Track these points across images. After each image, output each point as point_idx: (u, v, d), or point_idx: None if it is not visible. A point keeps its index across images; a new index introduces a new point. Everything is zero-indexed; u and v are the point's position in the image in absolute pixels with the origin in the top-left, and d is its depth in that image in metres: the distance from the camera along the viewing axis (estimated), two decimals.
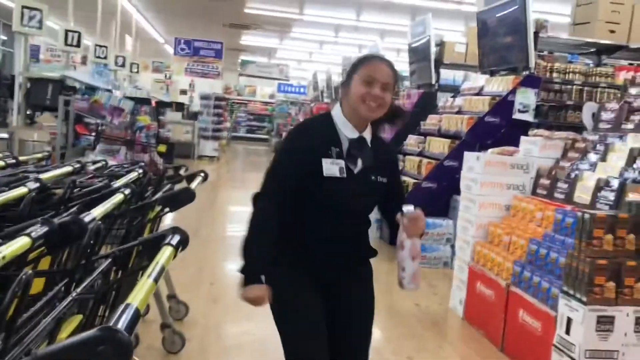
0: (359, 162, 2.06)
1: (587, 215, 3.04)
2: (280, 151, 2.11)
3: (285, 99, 26.06)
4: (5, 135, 7.29)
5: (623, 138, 3.99)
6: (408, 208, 2.03)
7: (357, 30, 15.41)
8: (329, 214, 2.02)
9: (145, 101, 10.21)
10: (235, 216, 8.32)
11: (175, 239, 1.59)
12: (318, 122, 2.18)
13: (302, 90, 25.95)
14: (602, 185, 3.63)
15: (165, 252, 1.48)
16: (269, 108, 26.89)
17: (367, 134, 2.11)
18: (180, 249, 1.60)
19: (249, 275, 1.93)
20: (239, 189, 11.21)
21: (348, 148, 2.04)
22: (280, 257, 2.02)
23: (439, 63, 8.59)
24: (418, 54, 8.88)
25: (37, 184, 2.42)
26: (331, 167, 1.99)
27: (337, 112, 2.10)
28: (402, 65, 12.44)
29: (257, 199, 2.05)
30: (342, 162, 2.01)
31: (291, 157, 2.06)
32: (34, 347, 1.25)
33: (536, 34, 6.07)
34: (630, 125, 4.08)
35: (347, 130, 2.06)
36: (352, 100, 2.03)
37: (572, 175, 4.01)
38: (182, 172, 3.93)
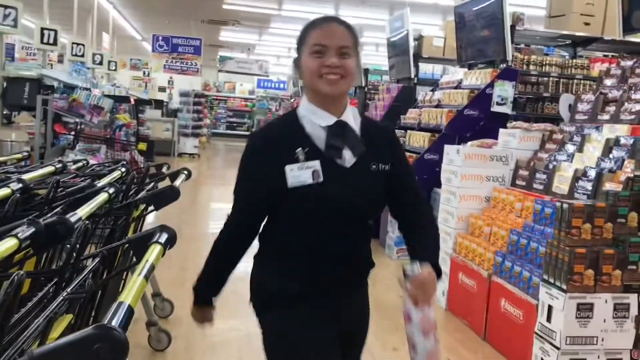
0: (346, 153, 1.65)
1: (565, 205, 3.10)
2: (240, 167, 1.72)
3: (265, 95, 26.09)
4: None
5: (599, 129, 4.07)
6: (412, 267, 1.57)
7: None
8: (320, 225, 1.65)
9: (124, 99, 10.13)
10: (218, 213, 8.31)
11: (164, 236, 1.60)
12: (277, 124, 1.76)
13: (282, 85, 25.96)
14: (579, 175, 3.70)
15: (154, 250, 1.49)
16: (249, 104, 26.83)
17: (349, 116, 1.69)
18: (168, 247, 1.61)
19: (199, 296, 1.91)
20: (221, 186, 11.17)
21: (327, 139, 1.64)
22: (280, 283, 1.71)
23: (417, 57, 8.64)
24: (397, 48, 8.92)
25: (20, 185, 2.40)
26: (299, 174, 1.59)
27: (303, 103, 1.70)
28: (381, 59, 12.49)
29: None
30: (316, 164, 1.60)
31: (250, 173, 1.70)
32: (26, 347, 1.26)
33: (513, 27, 6.14)
34: (605, 116, 4.16)
35: (320, 119, 1.65)
36: (308, 79, 1.64)
37: (550, 166, 4.08)
38: (164, 170, 3.93)
